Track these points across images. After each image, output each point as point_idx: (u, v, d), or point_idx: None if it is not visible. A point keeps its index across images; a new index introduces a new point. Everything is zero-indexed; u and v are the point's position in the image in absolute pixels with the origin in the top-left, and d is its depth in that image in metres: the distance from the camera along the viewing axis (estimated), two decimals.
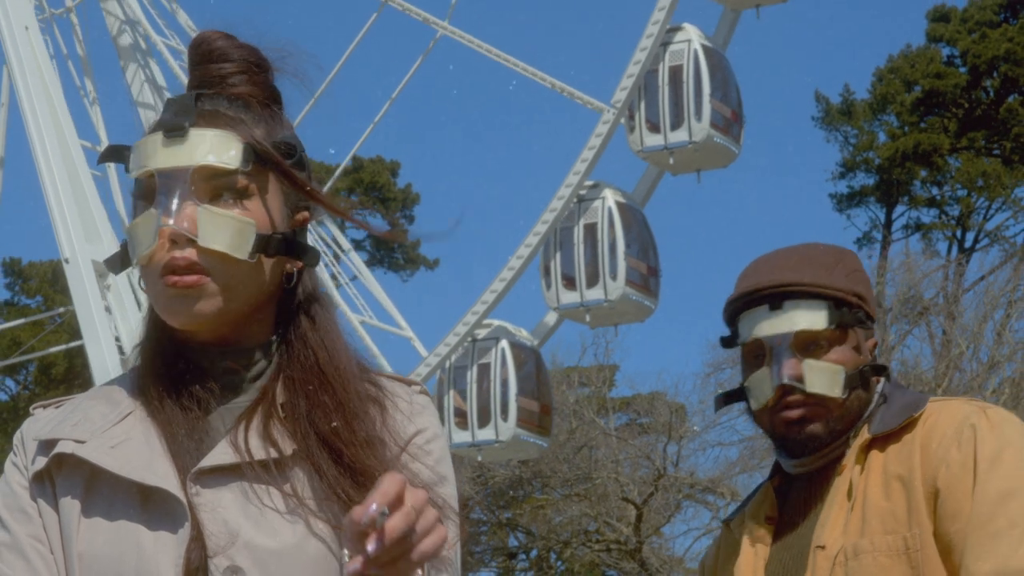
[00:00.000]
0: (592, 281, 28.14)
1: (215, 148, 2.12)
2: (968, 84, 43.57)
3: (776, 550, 2.94)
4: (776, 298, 2.88)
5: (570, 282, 28.38)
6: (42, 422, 2.21)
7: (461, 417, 28.19)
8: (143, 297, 2.42)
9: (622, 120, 28.32)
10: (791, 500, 2.96)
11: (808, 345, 2.89)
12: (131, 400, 2.19)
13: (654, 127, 28.27)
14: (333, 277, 30.77)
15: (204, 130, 2.13)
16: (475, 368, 28.42)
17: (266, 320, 2.22)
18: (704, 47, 28.28)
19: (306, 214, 2.24)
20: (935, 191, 44.67)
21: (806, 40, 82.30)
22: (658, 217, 64.55)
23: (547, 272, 28.69)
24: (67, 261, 22.63)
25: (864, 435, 2.88)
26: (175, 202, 2.11)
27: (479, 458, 28.85)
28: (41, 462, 2.15)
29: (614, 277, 27.97)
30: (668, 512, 35.05)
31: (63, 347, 31.16)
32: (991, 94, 43.98)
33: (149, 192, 2.14)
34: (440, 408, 26.30)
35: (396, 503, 1.85)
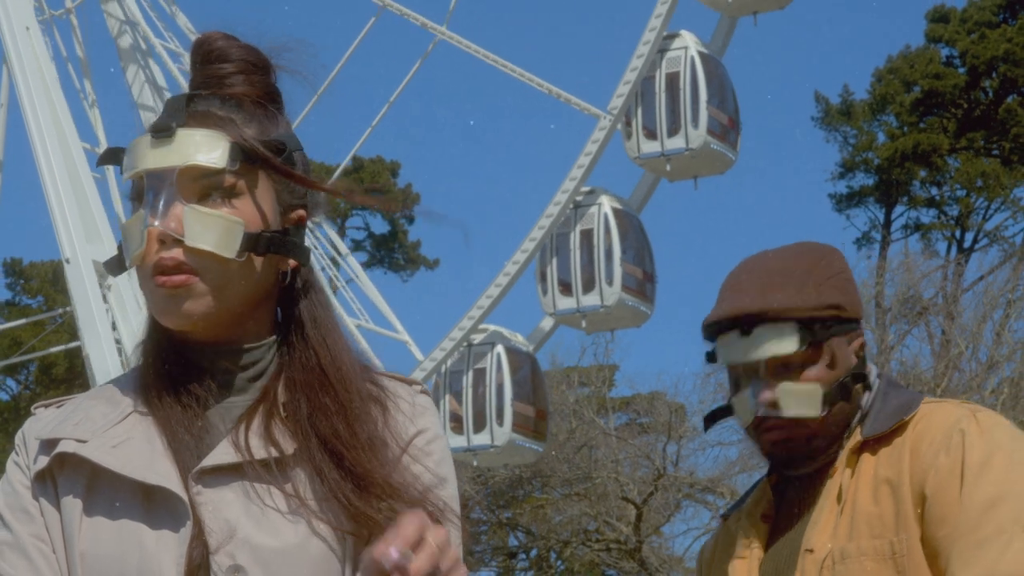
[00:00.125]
0: (588, 287, 28.20)
1: (202, 148, 2.12)
2: (967, 84, 43.58)
3: (770, 551, 2.93)
4: (746, 324, 2.85)
5: (566, 288, 28.44)
6: (44, 422, 2.21)
7: (457, 422, 28.20)
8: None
9: (619, 126, 28.38)
10: (787, 499, 2.96)
11: (781, 368, 2.87)
12: (132, 399, 2.20)
13: (651, 134, 28.33)
14: (330, 281, 30.80)
15: (192, 130, 2.14)
16: (471, 373, 28.44)
17: (264, 319, 2.22)
18: (701, 54, 28.33)
19: (302, 213, 2.23)
20: (934, 191, 44.69)
21: (806, 41, 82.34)
22: (655, 222, 64.64)
23: (543, 278, 28.74)
24: (68, 261, 22.65)
25: (857, 437, 2.87)
26: (162, 202, 2.12)
27: (474, 463, 28.87)
28: (43, 461, 2.16)
29: (610, 283, 28.02)
30: (668, 512, 35.07)
31: (64, 347, 31.17)
32: (990, 94, 43.99)
33: (139, 193, 2.16)
34: None
35: (418, 543, 1.87)
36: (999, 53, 42.55)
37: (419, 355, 29.28)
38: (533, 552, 40.97)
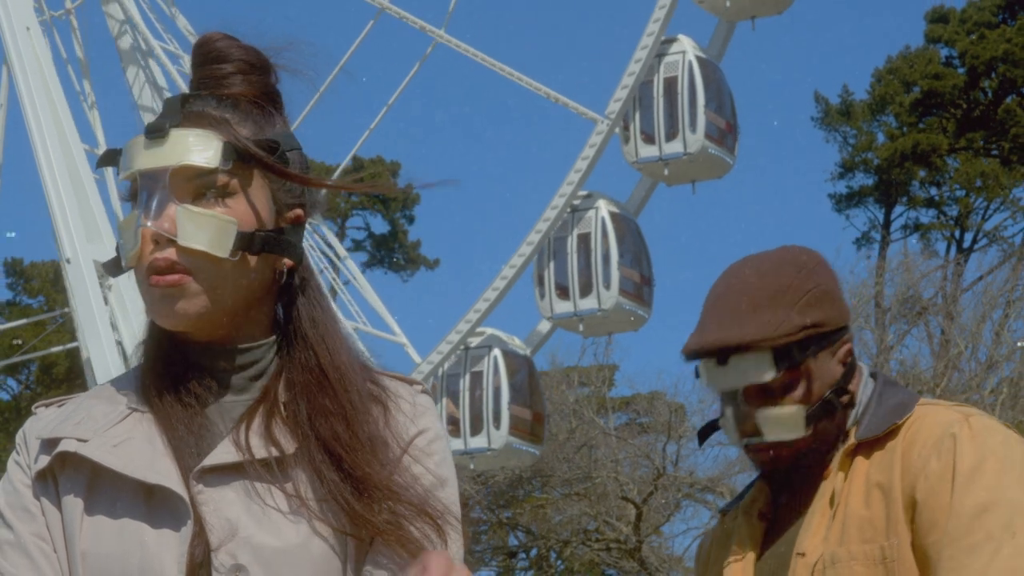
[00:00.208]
0: (586, 291, 28.25)
1: (195, 148, 2.12)
2: (966, 85, 43.59)
3: (766, 555, 2.92)
4: (721, 354, 2.84)
5: (564, 291, 28.48)
6: (44, 421, 2.21)
7: (454, 425, 28.22)
8: None
9: (617, 131, 28.42)
10: (784, 498, 2.95)
11: (761, 393, 2.85)
12: (133, 399, 2.20)
13: (649, 138, 28.38)
14: (328, 283, 30.81)
15: (186, 130, 2.14)
16: (468, 376, 28.48)
17: (262, 319, 2.21)
18: (699, 58, 28.38)
19: (299, 212, 2.23)
20: (933, 191, 44.70)
21: (805, 41, 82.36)
22: (652, 226, 64.64)
23: (541, 282, 28.79)
24: (68, 261, 22.67)
25: (851, 440, 2.84)
26: (156, 202, 2.12)
27: (471, 466, 28.88)
28: (44, 461, 2.16)
29: (607, 287, 28.07)
30: (668, 511, 35.08)
31: (64, 347, 31.20)
32: (989, 95, 44.00)
33: (135, 194, 2.17)
34: None
35: None
36: (998, 53, 42.57)
37: (416, 358, 29.32)
38: (533, 552, 40.99)
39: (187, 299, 2.11)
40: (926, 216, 44.90)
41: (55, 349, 32.34)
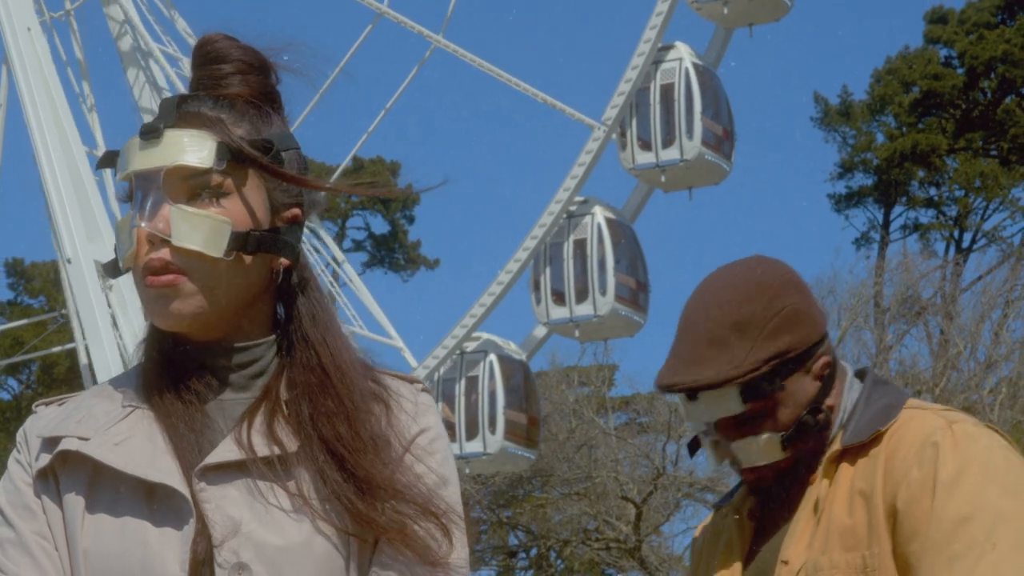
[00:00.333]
0: (581, 296, 28.30)
1: (189, 148, 2.12)
2: (965, 85, 43.61)
3: (752, 564, 2.91)
4: (690, 390, 2.81)
5: (560, 297, 28.54)
6: (45, 419, 2.21)
7: (449, 429, 28.21)
8: None
9: (614, 137, 28.50)
10: (773, 498, 2.92)
11: (733, 424, 2.83)
12: (133, 397, 2.19)
13: (646, 145, 28.43)
14: (325, 286, 30.82)
15: (179, 131, 2.13)
16: (463, 381, 28.48)
17: (261, 318, 2.21)
18: (695, 65, 28.43)
19: (296, 212, 2.22)
20: (933, 191, 44.72)
21: (805, 42, 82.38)
22: (649, 232, 64.69)
23: (537, 287, 28.84)
24: (69, 261, 22.69)
25: (836, 445, 2.81)
26: (150, 203, 2.12)
27: (467, 471, 28.92)
28: (45, 459, 2.16)
29: (603, 292, 28.12)
30: (667, 511, 35.09)
31: (65, 347, 31.21)
32: (988, 95, 44.01)
33: (132, 195, 2.17)
34: None
35: None
36: (997, 54, 42.59)
37: (413, 361, 29.35)
38: (533, 551, 41.03)
39: (182, 299, 2.11)
40: (925, 216, 44.97)
41: (56, 349, 32.36)
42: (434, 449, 2.21)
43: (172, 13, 29.46)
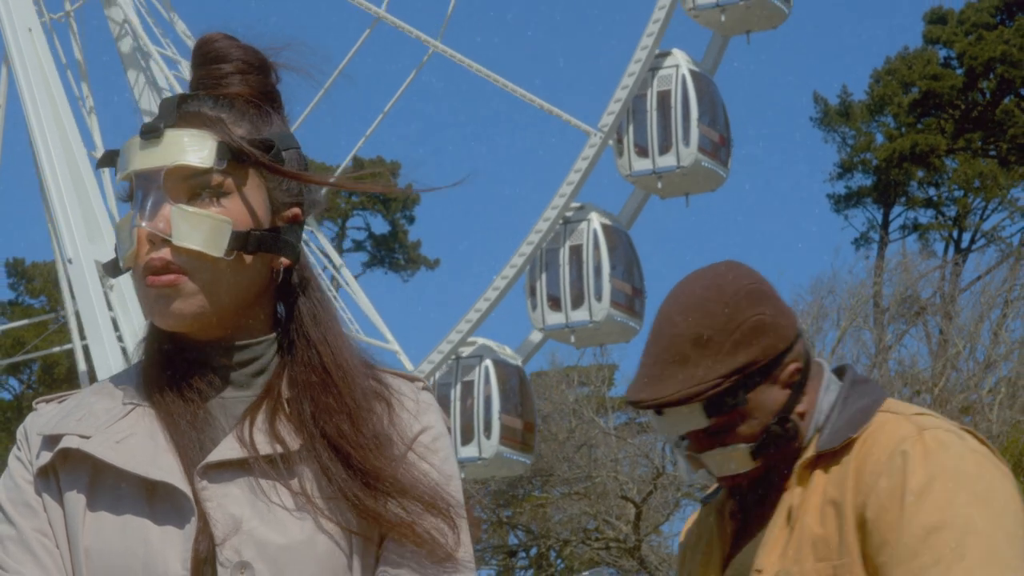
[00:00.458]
0: (577, 302, 28.38)
1: (189, 148, 2.11)
2: (965, 85, 43.64)
3: (729, 566, 2.87)
4: (655, 406, 2.80)
5: (555, 303, 28.61)
6: (45, 417, 2.20)
7: None
8: None
9: (610, 143, 28.57)
10: (752, 502, 2.89)
11: (701, 437, 2.81)
12: (134, 395, 2.19)
13: (642, 151, 28.53)
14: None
15: (180, 131, 2.13)
16: (459, 385, 28.57)
17: (261, 317, 2.20)
18: (692, 72, 28.53)
19: (296, 211, 2.21)
20: (932, 192, 44.76)
21: (804, 42, 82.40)
22: (645, 238, 64.70)
23: (533, 293, 28.94)
24: (70, 261, 22.73)
25: (812, 450, 2.78)
26: (150, 203, 2.12)
27: (462, 475, 28.99)
28: (46, 457, 2.15)
29: (599, 298, 28.18)
30: (667, 510, 35.11)
31: (65, 347, 31.22)
32: (987, 95, 44.04)
33: (132, 194, 2.17)
34: None
35: None
36: (996, 54, 42.62)
37: (409, 365, 29.40)
38: (533, 551, 41.07)
39: (183, 299, 2.11)
40: (924, 216, 45.01)
41: (56, 349, 32.39)
42: (437, 447, 2.21)
43: (171, 15, 29.48)
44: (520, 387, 29.07)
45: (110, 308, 22.85)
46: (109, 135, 28.83)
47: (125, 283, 22.65)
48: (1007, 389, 32.33)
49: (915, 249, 41.16)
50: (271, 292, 2.21)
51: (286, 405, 2.15)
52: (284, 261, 2.18)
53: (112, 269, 2.20)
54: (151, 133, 2.12)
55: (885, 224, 44.66)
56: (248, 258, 2.14)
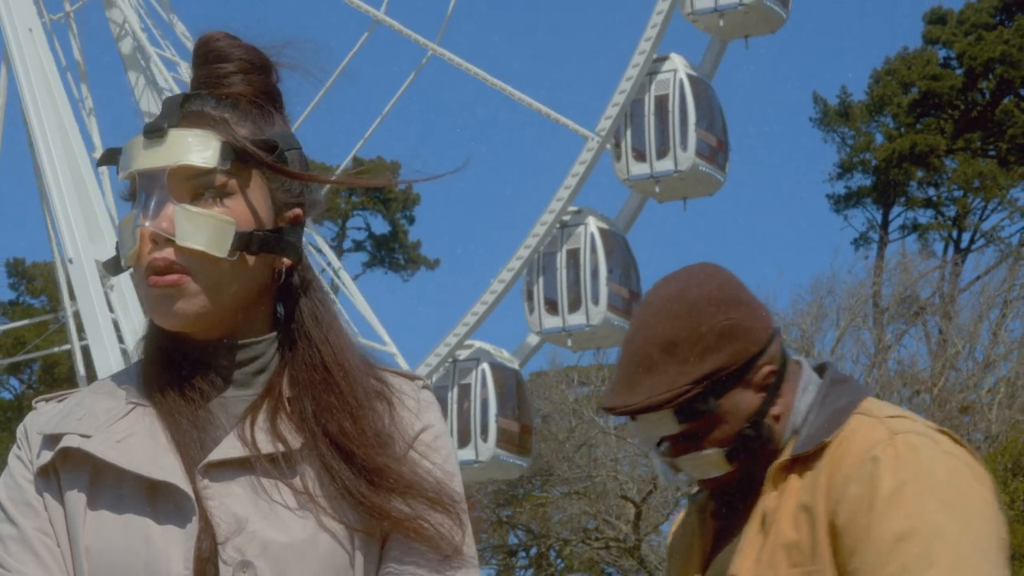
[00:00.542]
0: (574, 306, 28.43)
1: (193, 148, 2.11)
2: (964, 86, 43.68)
3: (712, 564, 2.86)
4: (625, 414, 2.81)
5: (552, 306, 28.66)
6: (46, 416, 2.20)
7: None
8: None
9: (608, 148, 28.62)
10: (732, 504, 2.88)
11: (675, 441, 2.79)
12: (134, 394, 2.18)
13: (640, 156, 28.59)
14: None
15: (184, 130, 2.12)
16: (456, 389, 28.60)
17: (262, 317, 2.20)
18: (690, 76, 28.59)
19: (298, 212, 2.21)
20: (931, 192, 44.79)
21: (804, 42, 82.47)
22: (642, 242, 64.75)
23: (530, 296, 29.00)
24: (71, 261, 22.76)
25: (787, 454, 2.74)
26: (154, 202, 2.11)
27: None
28: (46, 456, 2.14)
29: (596, 302, 28.23)
30: (667, 510, 35.11)
31: (65, 347, 31.24)
32: (987, 96, 44.08)
33: (134, 193, 2.16)
34: None
35: None
36: (996, 55, 42.66)
37: (406, 368, 29.46)
38: (533, 550, 41.12)
39: (186, 299, 2.11)
40: (924, 216, 45.05)
41: (57, 349, 32.43)
42: (438, 446, 2.21)
43: (171, 17, 29.49)
44: (517, 390, 29.13)
45: (111, 308, 22.88)
46: (108, 137, 28.85)
47: (126, 284, 22.69)
48: (1006, 389, 32.37)
49: (914, 249, 41.26)
50: (272, 292, 2.21)
51: (287, 404, 2.15)
52: (286, 262, 2.19)
53: (113, 267, 2.20)
54: (155, 132, 2.12)
55: (885, 224, 44.70)
56: (251, 258, 2.14)
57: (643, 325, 2.81)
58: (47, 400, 2.24)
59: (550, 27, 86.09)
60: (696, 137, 28.11)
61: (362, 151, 33.89)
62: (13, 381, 47.51)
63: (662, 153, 28.33)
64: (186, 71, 27.51)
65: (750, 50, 29.61)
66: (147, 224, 2.10)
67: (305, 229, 2.27)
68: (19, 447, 2.19)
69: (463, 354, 28.84)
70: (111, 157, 2.19)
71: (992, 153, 43.60)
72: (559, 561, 40.59)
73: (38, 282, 47.51)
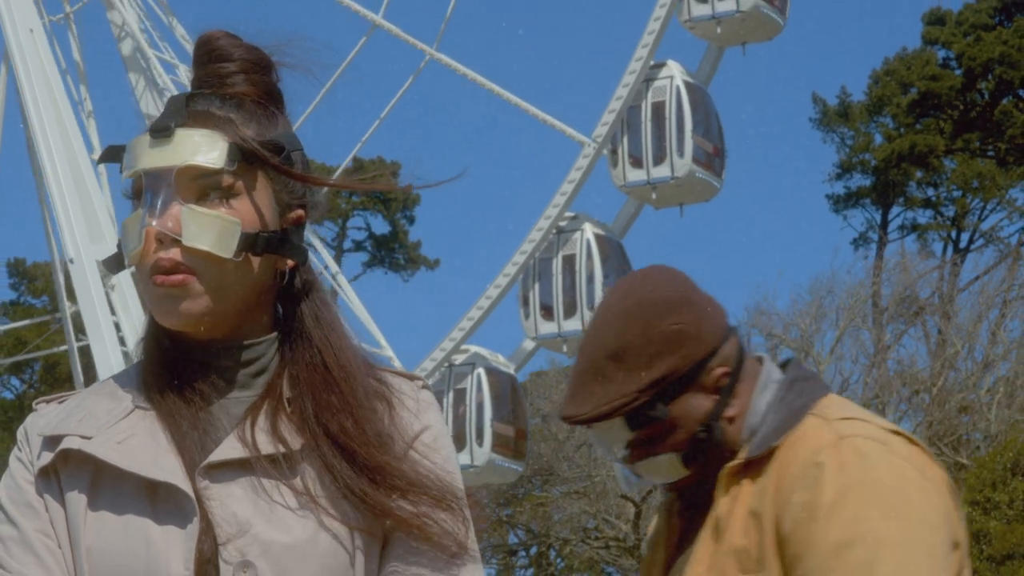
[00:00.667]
0: (570, 312, 28.49)
1: (200, 148, 2.10)
2: (963, 86, 43.72)
3: (674, 565, 2.83)
4: (578, 423, 2.80)
5: (548, 312, 28.71)
6: (46, 417, 2.19)
7: None
8: None
9: (605, 154, 28.67)
10: (694, 504, 2.84)
11: (635, 447, 2.78)
12: (135, 395, 2.18)
13: (637, 162, 28.63)
14: None
15: (191, 130, 2.12)
16: (451, 393, 28.63)
17: (263, 318, 2.20)
18: (686, 83, 28.62)
19: (300, 213, 2.21)
20: (931, 192, 44.83)
21: (804, 43, 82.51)
22: (638, 248, 64.78)
23: (526, 302, 29.06)
24: (71, 261, 22.79)
25: (739, 458, 2.71)
26: (160, 202, 2.10)
27: None
28: (47, 457, 2.14)
29: (591, 308, 28.17)
30: None
31: (65, 348, 31.25)
32: (986, 96, 44.12)
33: (138, 192, 2.14)
34: None
35: None
36: (995, 55, 42.70)
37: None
38: (533, 550, 41.17)
39: (191, 299, 2.10)
40: (923, 217, 45.09)
41: (58, 349, 32.47)
42: (438, 446, 2.21)
43: (171, 20, 29.52)
44: (512, 395, 29.18)
45: (111, 308, 22.89)
46: (108, 138, 28.84)
47: (127, 284, 22.71)
48: (1005, 388, 32.45)
49: (914, 249, 41.33)
50: (274, 293, 2.21)
51: (287, 405, 2.15)
52: (289, 263, 2.19)
53: (114, 265, 2.20)
54: (161, 132, 2.11)
55: (884, 224, 44.74)
56: (255, 260, 2.14)
57: (593, 334, 2.79)
58: (48, 402, 2.24)
59: (547, 33, 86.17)
60: (693, 144, 28.17)
61: (360, 152, 33.97)
62: (14, 381, 47.60)
63: (659, 159, 28.38)
64: (185, 73, 27.55)
65: (750, 51, 29.61)
66: (154, 224, 2.09)
67: (313, 222, 2.29)
68: (20, 449, 2.19)
69: (459, 359, 28.92)
70: (112, 155, 2.19)
71: (991, 153, 43.64)
72: (559, 560, 40.64)
73: (39, 282, 47.54)
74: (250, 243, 2.12)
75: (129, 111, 28.71)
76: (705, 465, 2.74)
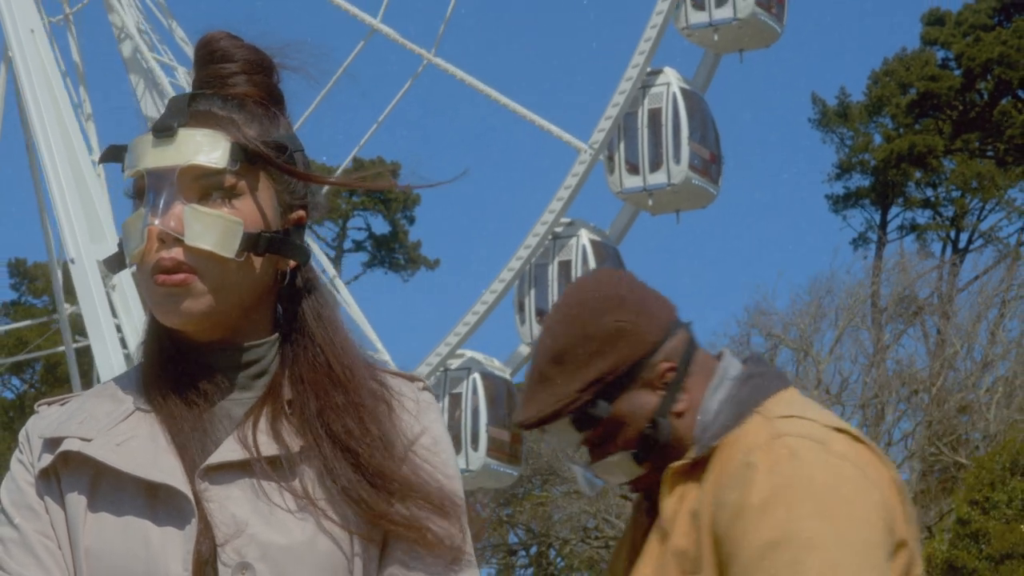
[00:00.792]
0: None
1: (203, 148, 2.11)
2: (962, 87, 43.76)
3: (636, 565, 2.79)
4: (527, 427, 2.81)
5: (543, 318, 28.62)
6: (47, 420, 2.20)
7: None
8: None
9: (602, 160, 28.70)
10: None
11: (589, 448, 2.78)
12: (135, 397, 2.18)
13: (633, 168, 28.66)
14: None
15: (193, 130, 2.12)
16: (447, 398, 28.64)
17: (264, 318, 2.20)
18: (683, 90, 28.66)
19: (301, 213, 2.21)
20: (930, 192, 44.86)
21: (803, 43, 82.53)
22: (634, 254, 64.75)
23: (521, 308, 29.14)
24: (72, 261, 22.81)
25: (689, 456, 2.68)
26: (163, 201, 2.10)
27: None
28: (47, 459, 2.14)
29: None
30: None
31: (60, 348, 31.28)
32: (985, 96, 44.17)
33: (140, 192, 2.15)
34: None
35: None
36: (994, 56, 42.74)
37: None
38: (533, 549, 41.20)
39: (193, 298, 2.10)
40: (922, 217, 45.13)
41: (59, 348, 32.51)
42: (438, 449, 2.21)
43: (170, 23, 29.54)
44: (508, 399, 29.15)
45: (112, 309, 22.91)
46: (107, 139, 28.88)
47: (128, 284, 22.72)
48: (1004, 388, 32.47)
49: (913, 249, 41.35)
50: (274, 294, 2.21)
51: (287, 406, 2.15)
52: (290, 263, 2.20)
53: (115, 265, 2.20)
54: (164, 131, 2.12)
55: (883, 224, 44.78)
56: (257, 260, 2.14)
57: (540, 339, 2.81)
58: (49, 404, 2.25)
59: (545, 39, 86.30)
60: (689, 150, 28.20)
61: (358, 155, 34.05)
62: (15, 381, 47.65)
63: (655, 166, 28.42)
64: (184, 76, 27.54)
65: (748, 53, 29.61)
66: (156, 223, 2.09)
67: (313, 222, 2.29)
68: (21, 450, 2.20)
69: (454, 363, 28.98)
70: (114, 154, 2.19)
71: (990, 153, 43.69)
72: (559, 560, 40.68)
73: (40, 282, 47.56)
74: (252, 243, 2.12)
75: (129, 113, 28.68)
76: (659, 463, 2.71)
